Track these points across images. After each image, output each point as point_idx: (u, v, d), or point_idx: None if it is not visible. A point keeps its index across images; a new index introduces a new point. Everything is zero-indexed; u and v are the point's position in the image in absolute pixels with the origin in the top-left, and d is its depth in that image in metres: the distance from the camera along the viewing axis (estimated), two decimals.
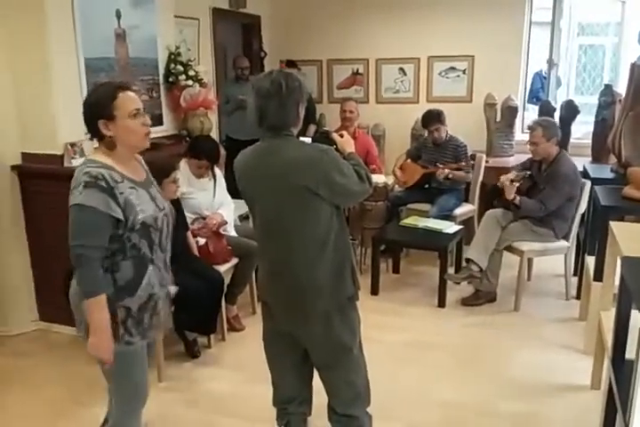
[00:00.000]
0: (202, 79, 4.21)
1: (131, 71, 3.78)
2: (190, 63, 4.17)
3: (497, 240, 3.81)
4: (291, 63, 5.63)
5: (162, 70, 4.05)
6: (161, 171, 2.96)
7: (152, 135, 3.74)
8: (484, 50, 5.47)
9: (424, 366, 3.17)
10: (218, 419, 2.72)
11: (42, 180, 3.35)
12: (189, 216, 3.44)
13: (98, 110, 1.87)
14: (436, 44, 5.61)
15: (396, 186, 4.93)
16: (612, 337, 2.22)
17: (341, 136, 2.26)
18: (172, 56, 4.11)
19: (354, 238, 4.11)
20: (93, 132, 1.90)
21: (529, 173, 3.81)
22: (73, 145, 3.30)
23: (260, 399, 2.62)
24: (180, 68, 4.08)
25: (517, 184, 3.71)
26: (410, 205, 4.69)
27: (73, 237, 1.82)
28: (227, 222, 3.56)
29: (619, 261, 2.55)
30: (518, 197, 3.74)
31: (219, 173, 3.73)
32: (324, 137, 2.25)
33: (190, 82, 4.11)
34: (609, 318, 2.52)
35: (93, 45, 3.46)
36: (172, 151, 3.73)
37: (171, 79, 4.07)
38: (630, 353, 2.08)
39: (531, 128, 3.82)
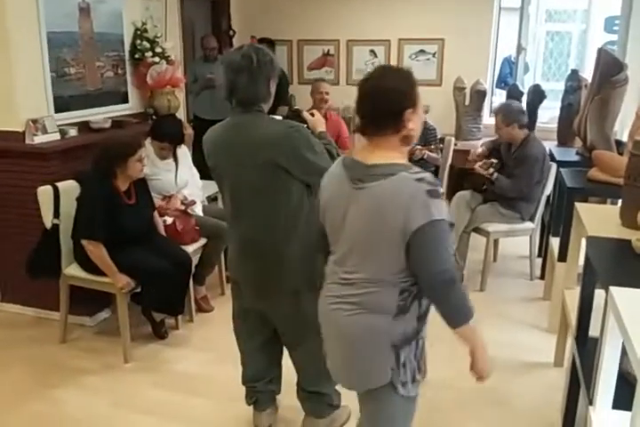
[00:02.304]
0: (169, 56, 4.09)
1: (95, 46, 3.65)
2: (157, 40, 4.06)
3: (466, 223, 3.86)
4: (263, 41, 5.49)
5: (127, 46, 3.93)
6: (127, 148, 2.91)
7: (116, 113, 3.79)
8: (453, 33, 5.47)
9: None
10: (186, 399, 2.71)
11: (2, 158, 3.23)
12: (155, 196, 3.37)
13: (409, 97, 1.54)
14: (406, 26, 5.58)
15: None
16: (576, 315, 2.27)
17: (312, 115, 2.24)
18: (138, 32, 3.98)
19: None
20: (393, 124, 1.54)
21: (495, 161, 3.88)
22: (35, 122, 3.18)
23: (229, 379, 2.62)
24: (147, 44, 3.96)
25: (492, 170, 3.79)
26: None
27: (443, 259, 1.49)
28: (195, 202, 3.51)
29: (583, 242, 2.61)
30: (496, 174, 3.80)
31: (183, 152, 3.66)
32: (295, 116, 2.23)
33: (157, 59, 3.99)
34: (573, 297, 2.58)
35: (56, 19, 3.32)
36: (137, 130, 3.64)
37: (137, 56, 3.95)
38: (593, 331, 2.14)
39: (494, 113, 3.92)
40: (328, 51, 5.89)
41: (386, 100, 1.54)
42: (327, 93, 4.64)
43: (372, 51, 5.76)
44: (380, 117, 1.55)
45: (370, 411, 1.73)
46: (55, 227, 3.00)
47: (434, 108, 5.11)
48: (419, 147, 4.43)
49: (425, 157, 4.43)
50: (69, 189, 3.05)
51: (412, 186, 1.48)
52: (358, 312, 1.60)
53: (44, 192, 3.00)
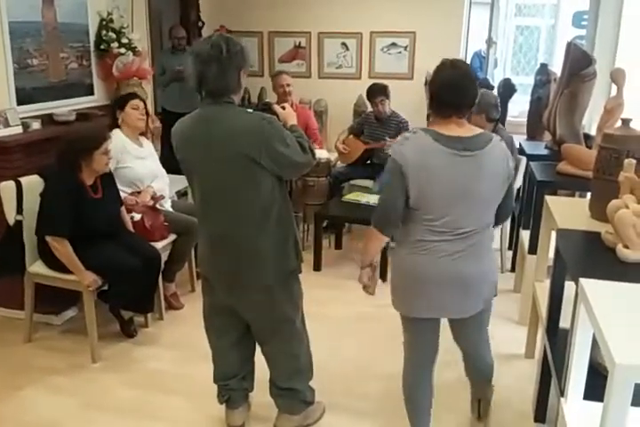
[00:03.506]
0: (136, 47, 4.00)
1: (59, 37, 3.55)
2: (123, 30, 3.96)
3: None
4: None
5: (93, 37, 3.84)
6: (92, 141, 2.83)
7: (81, 105, 3.69)
8: (425, 27, 5.47)
9: (365, 339, 3.20)
10: (157, 398, 2.66)
11: None
12: (124, 190, 3.29)
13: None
14: (378, 19, 5.56)
15: (339, 162, 4.91)
16: (546, 307, 2.29)
17: (283, 108, 2.20)
18: (104, 22, 3.89)
19: (297, 212, 4.07)
20: (473, 103, 1.98)
21: None
22: None
23: (201, 377, 2.58)
24: (113, 35, 3.87)
25: None
26: (352, 181, 4.69)
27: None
28: (163, 197, 3.44)
29: (553, 235, 2.63)
30: None
31: (150, 145, 3.60)
32: (265, 109, 2.19)
33: (123, 50, 3.90)
34: (543, 290, 2.61)
35: (18, 8, 3.22)
36: (103, 122, 3.54)
37: (102, 47, 3.85)
38: (564, 323, 2.16)
39: None
40: (299, 43, 5.83)
41: (471, 85, 1.94)
42: (289, 85, 4.57)
43: (343, 43, 5.72)
44: (470, 100, 1.94)
45: (481, 321, 2.14)
46: (18, 223, 2.91)
47: (405, 101, 5.11)
48: (390, 140, 4.42)
49: None
50: (33, 184, 2.96)
51: (502, 145, 1.98)
52: (477, 258, 1.99)
53: (7, 188, 2.90)
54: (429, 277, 1.96)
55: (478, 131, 1.96)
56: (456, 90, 1.91)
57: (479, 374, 2.32)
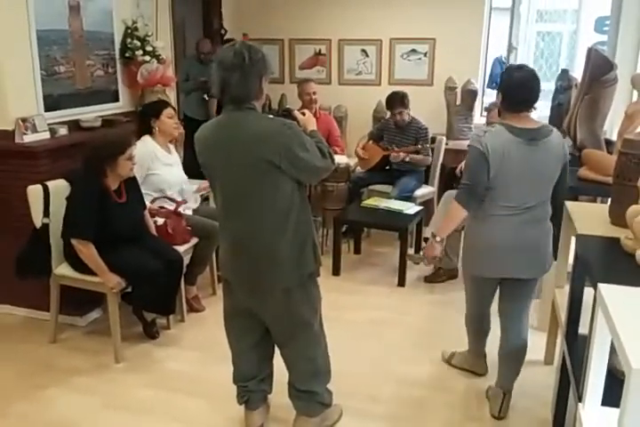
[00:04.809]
0: (160, 55, 4.08)
1: (85, 45, 3.64)
2: (148, 38, 4.05)
3: None
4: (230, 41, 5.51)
5: (118, 45, 3.92)
6: (117, 147, 2.90)
7: (107, 112, 3.78)
8: (445, 33, 5.47)
9: (383, 343, 3.21)
10: (178, 399, 2.70)
11: None
12: (151, 194, 3.35)
13: None
14: (397, 25, 5.58)
15: (358, 167, 4.94)
16: (566, 313, 2.29)
17: (303, 114, 2.24)
18: (129, 30, 3.97)
19: (316, 216, 4.10)
20: None
21: None
22: (25, 120, 3.16)
23: (221, 379, 2.62)
24: (137, 42, 3.95)
25: None
26: (371, 187, 4.70)
27: None
28: (186, 202, 3.50)
29: (573, 240, 2.62)
30: None
31: (175, 152, 3.67)
32: (286, 115, 2.23)
33: (148, 57, 3.98)
34: (563, 295, 2.60)
35: (46, 17, 3.31)
36: (127, 128, 3.62)
37: (127, 54, 3.94)
38: (583, 328, 2.15)
39: (488, 109, 3.94)
40: (320, 50, 5.88)
41: (538, 84, 2.33)
42: (315, 93, 4.63)
43: (363, 50, 5.76)
44: (537, 97, 2.33)
45: (531, 287, 2.53)
46: (45, 226, 2.98)
47: (425, 107, 5.12)
48: (396, 150, 4.44)
49: (407, 159, 4.43)
50: (59, 188, 3.04)
51: (558, 133, 2.36)
52: (541, 224, 2.40)
53: (34, 191, 2.98)
54: (501, 244, 2.36)
55: (541, 123, 2.34)
56: (527, 89, 2.31)
57: (514, 347, 2.54)
